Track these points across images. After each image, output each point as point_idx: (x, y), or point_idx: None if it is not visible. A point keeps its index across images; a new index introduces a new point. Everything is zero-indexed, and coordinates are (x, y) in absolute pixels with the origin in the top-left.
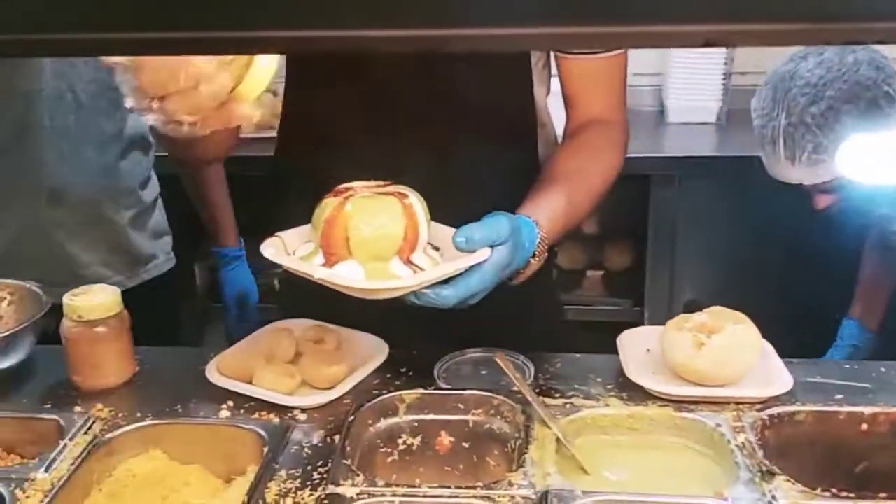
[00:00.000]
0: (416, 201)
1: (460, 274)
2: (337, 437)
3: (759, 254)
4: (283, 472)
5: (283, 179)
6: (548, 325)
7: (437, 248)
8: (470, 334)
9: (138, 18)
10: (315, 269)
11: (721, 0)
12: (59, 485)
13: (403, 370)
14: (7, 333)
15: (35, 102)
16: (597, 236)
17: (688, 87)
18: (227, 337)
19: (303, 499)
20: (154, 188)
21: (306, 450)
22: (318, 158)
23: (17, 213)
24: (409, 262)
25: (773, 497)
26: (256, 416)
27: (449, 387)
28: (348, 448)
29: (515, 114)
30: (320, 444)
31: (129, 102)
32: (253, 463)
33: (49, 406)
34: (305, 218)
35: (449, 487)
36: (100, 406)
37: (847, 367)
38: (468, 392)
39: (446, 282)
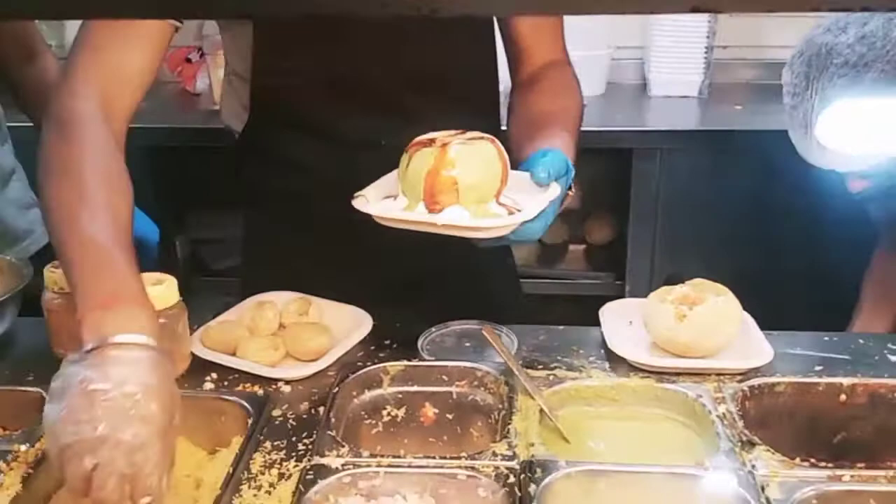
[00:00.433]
0: (500, 144)
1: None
2: (321, 409)
3: (741, 227)
4: (267, 444)
5: (253, 153)
6: (509, 299)
7: None
8: (447, 307)
9: None
10: (435, 218)
11: None
12: (43, 457)
13: (387, 342)
14: None
15: None
16: (579, 210)
17: (670, 61)
18: None
19: (288, 469)
20: (8, 157)
21: (291, 421)
22: (287, 133)
23: None
24: (499, 202)
25: (753, 467)
26: (240, 387)
27: (433, 359)
28: (333, 420)
29: (481, 83)
30: (305, 416)
31: None
32: (237, 434)
33: (31, 378)
34: (271, 189)
35: (434, 458)
36: None
37: (826, 339)
38: (452, 364)
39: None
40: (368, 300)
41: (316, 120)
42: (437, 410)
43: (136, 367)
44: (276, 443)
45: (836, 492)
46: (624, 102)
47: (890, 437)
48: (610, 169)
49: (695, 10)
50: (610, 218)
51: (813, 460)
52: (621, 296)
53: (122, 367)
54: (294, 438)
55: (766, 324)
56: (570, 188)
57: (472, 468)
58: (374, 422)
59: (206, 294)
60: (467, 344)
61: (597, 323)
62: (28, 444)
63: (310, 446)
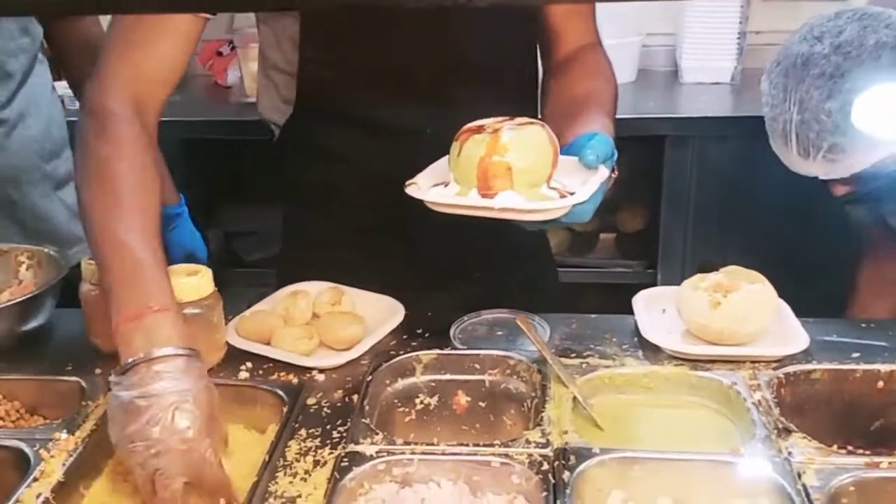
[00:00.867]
0: (549, 129)
1: None
2: (355, 397)
3: (774, 214)
4: (302, 431)
5: (295, 145)
6: (545, 286)
7: None
8: (483, 295)
9: None
10: (491, 202)
11: None
12: (83, 445)
13: (419, 331)
14: (27, 297)
15: None
16: (610, 198)
17: (702, 47)
18: None
19: (323, 457)
20: (67, 162)
21: (325, 409)
22: (331, 124)
23: None
24: (550, 186)
25: (790, 454)
26: (275, 376)
27: (465, 347)
28: (367, 407)
29: (522, 69)
30: (339, 404)
31: None
32: (273, 422)
33: (70, 368)
34: (313, 181)
35: (467, 445)
36: None
37: (864, 325)
38: (484, 352)
39: None
40: (405, 288)
41: (361, 110)
42: (469, 398)
43: (171, 377)
44: (310, 430)
45: (874, 479)
46: (655, 89)
47: None
48: (642, 157)
49: None
50: (641, 206)
51: (850, 447)
52: (653, 284)
53: (157, 382)
54: (328, 426)
55: (802, 311)
56: (613, 170)
57: (506, 455)
58: (407, 410)
59: (239, 285)
60: (499, 332)
61: (629, 311)
62: (68, 433)
63: (344, 434)
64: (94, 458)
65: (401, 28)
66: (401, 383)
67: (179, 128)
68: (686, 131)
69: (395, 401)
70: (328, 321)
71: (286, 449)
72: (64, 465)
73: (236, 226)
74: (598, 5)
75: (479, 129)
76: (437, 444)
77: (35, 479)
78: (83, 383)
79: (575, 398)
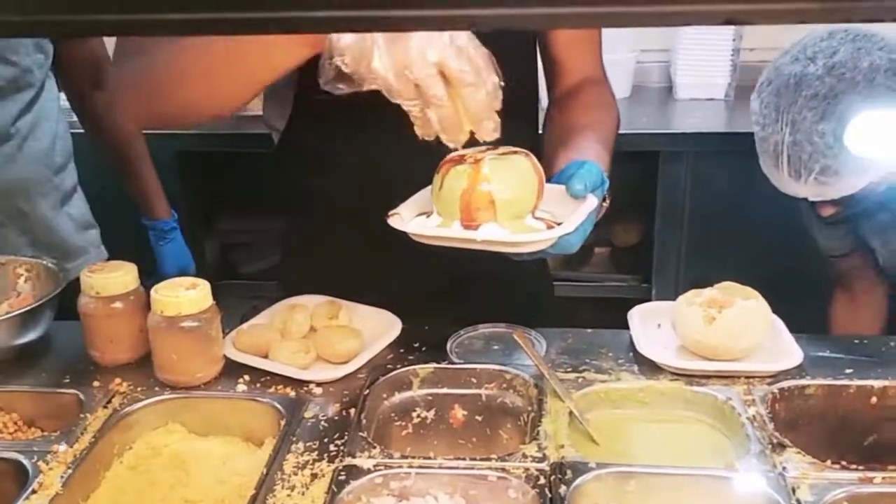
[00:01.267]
0: (534, 158)
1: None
2: (352, 411)
3: (767, 230)
4: (300, 445)
5: (296, 152)
6: (541, 302)
7: None
8: (473, 311)
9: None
10: (474, 234)
11: None
12: (81, 457)
13: (416, 345)
14: (26, 309)
15: None
16: (605, 213)
17: (696, 64)
18: None
19: (321, 470)
20: (72, 175)
21: (322, 423)
22: (327, 137)
23: None
24: (535, 216)
25: (784, 469)
26: (273, 389)
27: (462, 361)
28: (364, 421)
29: (524, 93)
30: (336, 418)
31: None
32: (270, 436)
33: (68, 380)
34: (313, 190)
35: (464, 459)
36: (118, 380)
37: (856, 341)
38: (481, 366)
39: None
40: (402, 299)
41: (361, 121)
42: (466, 412)
43: None
44: (308, 444)
45: (868, 494)
46: (650, 105)
47: None
48: (636, 172)
49: (728, 22)
50: (636, 221)
51: (844, 463)
52: (647, 299)
53: None
54: (326, 440)
55: (795, 326)
56: (604, 199)
57: (503, 469)
58: (403, 423)
59: (235, 297)
60: (496, 347)
61: (623, 325)
62: (66, 445)
63: (342, 447)
64: (93, 471)
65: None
66: (398, 397)
67: (176, 139)
68: (680, 147)
69: (392, 414)
70: (325, 335)
71: (284, 462)
72: (62, 477)
73: (232, 238)
74: None
75: (461, 160)
76: (435, 458)
77: (34, 492)
78: (81, 396)
79: (571, 413)
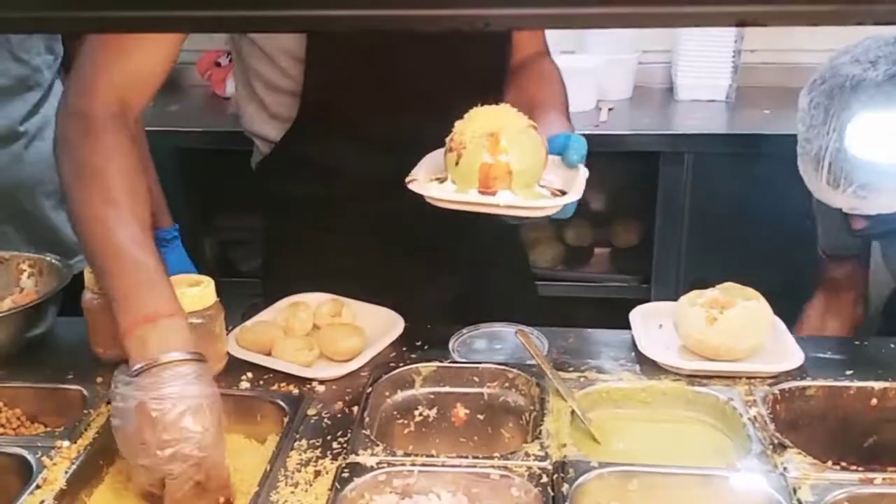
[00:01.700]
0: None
1: None
2: (355, 409)
3: (767, 231)
4: (303, 442)
5: (294, 159)
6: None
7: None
8: (472, 310)
9: None
10: (496, 199)
11: None
12: (85, 453)
13: (419, 343)
14: (29, 305)
15: None
16: (605, 213)
17: (697, 65)
18: None
19: (324, 467)
20: None
21: (325, 420)
22: (332, 139)
23: None
24: (539, 185)
25: (785, 469)
26: (276, 387)
27: (464, 360)
28: (366, 419)
29: (502, 79)
30: (339, 415)
31: None
32: (274, 433)
33: (71, 376)
34: (307, 193)
35: (467, 457)
36: None
37: (857, 343)
38: (483, 365)
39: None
40: (394, 305)
41: (365, 125)
42: (468, 411)
43: (185, 381)
44: (311, 441)
45: (868, 494)
46: (651, 106)
47: None
48: (636, 172)
49: (741, 24)
50: (636, 221)
51: (844, 463)
52: (647, 299)
53: (173, 386)
54: (329, 437)
55: (796, 328)
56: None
57: (505, 468)
58: (406, 422)
59: (234, 295)
60: (498, 346)
61: (623, 326)
62: (70, 441)
63: (345, 445)
64: (96, 466)
65: (408, 47)
66: (400, 395)
67: (177, 138)
68: (681, 148)
69: (395, 412)
70: (328, 333)
71: (287, 459)
72: (66, 472)
73: (231, 235)
74: None
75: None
76: (437, 456)
77: (38, 487)
78: (85, 391)
79: (573, 412)
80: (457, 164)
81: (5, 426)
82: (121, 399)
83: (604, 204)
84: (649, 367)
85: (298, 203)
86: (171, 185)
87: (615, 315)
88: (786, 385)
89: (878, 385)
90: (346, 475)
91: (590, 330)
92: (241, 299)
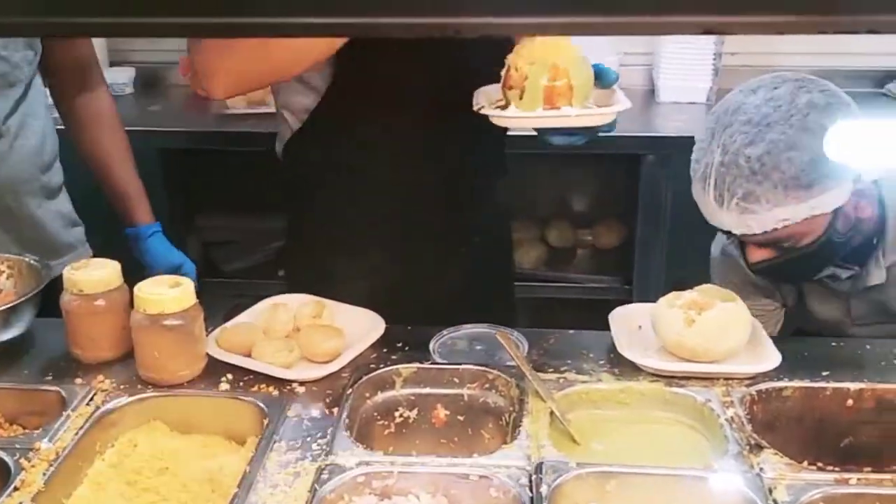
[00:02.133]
0: None
1: None
2: (335, 410)
3: None
4: (283, 443)
5: (327, 129)
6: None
7: None
8: (453, 312)
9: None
10: (568, 111)
11: None
12: (63, 454)
13: (399, 345)
14: (7, 306)
15: None
16: (587, 215)
17: (678, 68)
18: None
19: (303, 468)
20: (59, 172)
21: (305, 422)
22: (344, 137)
23: None
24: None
25: (761, 469)
26: (256, 388)
27: (444, 361)
28: (347, 420)
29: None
30: (319, 417)
31: None
32: (253, 434)
33: (50, 378)
34: (324, 191)
35: (446, 458)
36: (101, 378)
37: (833, 344)
38: (464, 366)
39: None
40: (378, 306)
41: (397, 89)
42: (448, 412)
43: None
44: (291, 442)
45: (843, 495)
46: (632, 108)
47: None
48: (618, 174)
49: (707, 32)
50: (618, 223)
51: (820, 464)
52: (629, 300)
53: None
54: (309, 438)
55: None
56: None
57: (484, 468)
58: (386, 423)
59: (214, 296)
60: (478, 347)
61: (605, 327)
62: (48, 442)
63: (324, 446)
64: (75, 467)
65: (428, 50)
66: (380, 396)
67: (159, 138)
68: (662, 150)
69: (375, 414)
70: (309, 334)
71: (266, 460)
72: (45, 474)
73: (214, 235)
74: None
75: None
76: (417, 457)
77: (16, 489)
78: (63, 393)
79: (552, 413)
80: (521, 98)
81: None
82: None
83: (586, 205)
84: (628, 368)
85: (327, 175)
86: (153, 184)
87: (598, 316)
88: (763, 386)
89: (854, 386)
90: (325, 476)
91: (570, 331)
92: (223, 300)
